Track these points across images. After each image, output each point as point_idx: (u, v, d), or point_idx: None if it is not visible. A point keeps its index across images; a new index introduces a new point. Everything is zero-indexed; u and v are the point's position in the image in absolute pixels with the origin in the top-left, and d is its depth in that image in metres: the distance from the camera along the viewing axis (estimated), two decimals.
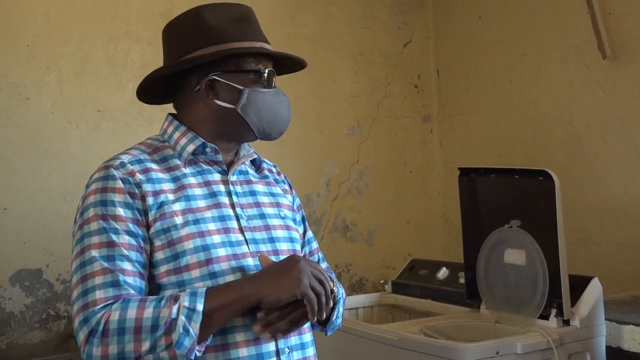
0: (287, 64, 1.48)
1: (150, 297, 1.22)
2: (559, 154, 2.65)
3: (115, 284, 1.21)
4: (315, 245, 1.59)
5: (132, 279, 1.23)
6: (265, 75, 1.38)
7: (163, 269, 1.27)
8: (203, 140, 1.38)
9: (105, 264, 1.22)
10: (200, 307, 1.18)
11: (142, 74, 2.69)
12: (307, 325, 1.37)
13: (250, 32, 1.39)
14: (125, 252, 1.24)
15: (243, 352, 1.25)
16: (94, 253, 1.23)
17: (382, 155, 3.15)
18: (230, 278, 1.27)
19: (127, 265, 1.23)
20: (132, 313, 1.18)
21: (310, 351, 1.38)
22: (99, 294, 1.20)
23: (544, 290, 1.85)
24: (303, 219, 1.58)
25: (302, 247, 1.54)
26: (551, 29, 2.67)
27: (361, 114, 3.10)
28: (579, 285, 1.87)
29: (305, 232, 1.57)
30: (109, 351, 1.16)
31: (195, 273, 1.26)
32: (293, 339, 1.33)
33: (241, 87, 1.36)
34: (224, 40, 1.36)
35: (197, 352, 1.19)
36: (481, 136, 3.03)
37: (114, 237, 1.24)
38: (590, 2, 2.43)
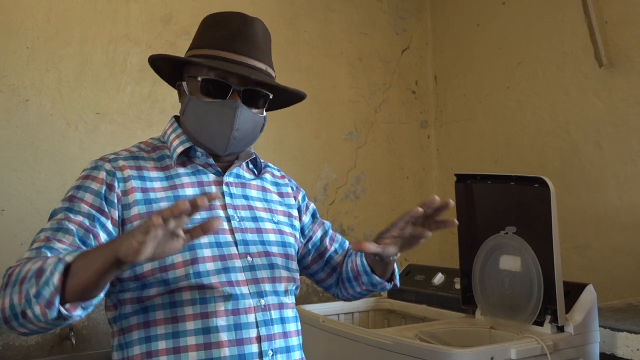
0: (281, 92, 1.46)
1: (55, 255, 1.15)
2: (555, 161, 2.66)
3: (44, 247, 1.20)
4: (333, 232, 1.66)
5: (63, 247, 1.21)
6: (205, 83, 1.35)
7: (147, 267, 1.27)
8: (191, 144, 1.40)
9: (49, 234, 1.23)
10: (69, 258, 1.09)
11: (141, 77, 2.72)
12: (294, 329, 1.39)
13: (231, 44, 1.36)
14: (71, 227, 1.24)
15: (225, 352, 1.26)
16: (48, 226, 1.26)
17: (379, 160, 3.16)
18: (215, 279, 1.28)
19: (66, 238, 1.23)
20: (27, 266, 1.12)
21: (297, 355, 1.38)
22: (25, 254, 1.20)
23: (538, 296, 1.85)
24: (314, 215, 1.63)
25: (323, 237, 1.61)
26: (548, 37, 2.69)
27: (359, 119, 3.12)
28: (573, 291, 1.88)
29: (321, 225, 1.63)
30: (5, 304, 1.12)
31: (180, 272, 1.27)
32: (278, 342, 1.33)
33: (187, 94, 1.39)
34: (201, 47, 1.39)
35: (61, 309, 1.07)
36: (478, 142, 3.04)
37: (70, 214, 1.26)
38: (587, 11, 2.44)
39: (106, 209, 1.29)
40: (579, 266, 2.51)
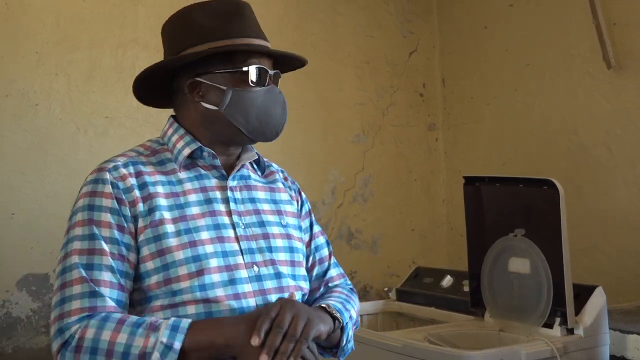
0: (286, 61, 1.42)
1: (130, 320, 1.16)
2: (563, 163, 2.66)
3: (92, 294, 1.18)
4: (326, 252, 1.52)
5: (109, 290, 1.19)
6: (252, 73, 1.30)
7: (153, 280, 1.23)
8: (200, 145, 1.33)
9: (84, 273, 1.19)
10: (178, 345, 1.12)
11: None
12: None
13: (240, 29, 1.31)
14: (107, 261, 1.20)
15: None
16: (76, 259, 1.21)
17: (387, 163, 3.16)
18: (220, 291, 1.23)
19: (106, 276, 1.20)
20: (107, 334, 1.13)
21: None
22: (74, 305, 1.18)
23: (548, 298, 1.85)
24: (311, 225, 1.52)
25: (309, 255, 1.48)
26: (556, 39, 2.68)
27: (366, 122, 3.12)
28: (582, 294, 1.88)
29: (312, 238, 1.51)
30: None
31: (185, 284, 1.22)
32: None
33: (224, 88, 1.30)
34: (209, 39, 1.30)
35: None
36: (486, 145, 3.04)
37: (97, 244, 1.21)
38: (595, 13, 2.44)
39: (125, 225, 1.24)
40: (588, 268, 2.50)
